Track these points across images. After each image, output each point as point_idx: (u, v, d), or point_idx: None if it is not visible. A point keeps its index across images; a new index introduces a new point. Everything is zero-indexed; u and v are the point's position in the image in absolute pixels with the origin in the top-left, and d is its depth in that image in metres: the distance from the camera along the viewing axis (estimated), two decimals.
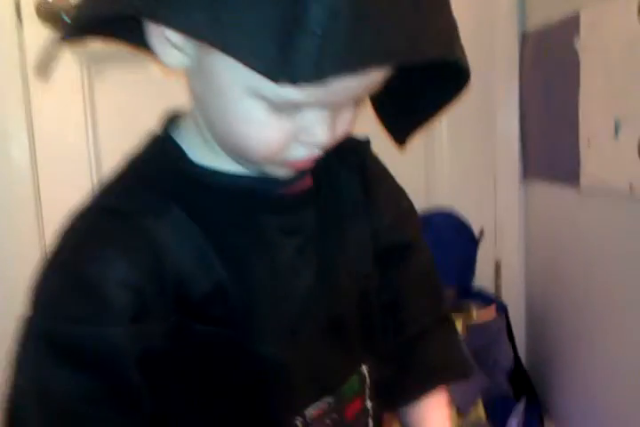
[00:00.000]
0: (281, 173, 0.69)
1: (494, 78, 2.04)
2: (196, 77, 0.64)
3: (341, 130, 0.67)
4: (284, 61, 0.50)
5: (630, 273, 1.51)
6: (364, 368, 0.80)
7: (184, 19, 0.52)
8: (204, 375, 0.69)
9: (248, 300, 0.68)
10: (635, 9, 1.37)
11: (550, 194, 1.91)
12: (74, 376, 0.62)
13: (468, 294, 1.95)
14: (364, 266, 0.81)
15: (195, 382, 0.69)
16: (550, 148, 1.86)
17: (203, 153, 0.70)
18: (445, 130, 2.06)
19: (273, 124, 0.61)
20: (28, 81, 1.70)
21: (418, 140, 2.01)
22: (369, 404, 0.82)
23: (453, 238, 1.91)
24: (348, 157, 0.81)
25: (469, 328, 1.85)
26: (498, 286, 2.11)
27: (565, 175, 1.74)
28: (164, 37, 0.62)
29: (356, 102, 0.66)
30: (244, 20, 0.50)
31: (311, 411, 0.74)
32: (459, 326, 1.86)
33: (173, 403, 0.69)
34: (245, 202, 0.70)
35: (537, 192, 2.01)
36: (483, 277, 2.04)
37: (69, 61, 1.74)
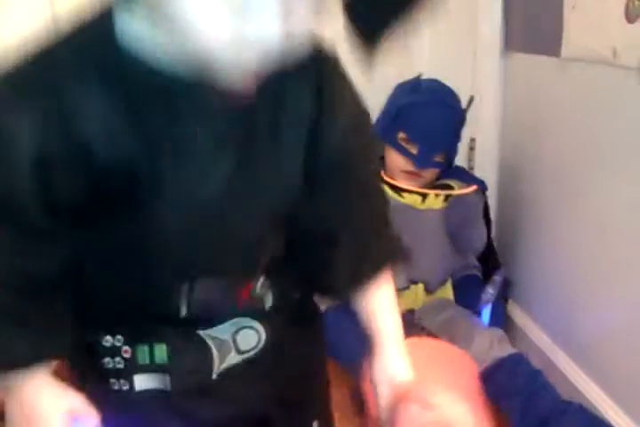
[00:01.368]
0: (234, 77, 0.66)
1: None
2: None
3: (298, 24, 0.62)
4: None
5: (610, 141, 1.49)
6: (263, 278, 0.84)
7: None
8: (105, 233, 0.74)
9: (154, 177, 0.69)
10: None
11: (531, 66, 1.86)
12: None
13: (450, 171, 1.93)
14: (293, 182, 0.79)
15: (96, 239, 0.74)
16: (534, 15, 1.79)
17: (141, 34, 0.67)
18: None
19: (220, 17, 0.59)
20: None
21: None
22: (259, 285, 0.84)
23: (440, 118, 1.84)
24: (305, 73, 0.75)
25: (450, 200, 1.86)
26: (471, 162, 2.10)
27: (547, 43, 1.68)
28: None
29: None
30: None
31: (200, 284, 0.79)
32: (439, 199, 1.86)
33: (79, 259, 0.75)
34: (169, 88, 0.68)
35: (517, 65, 1.95)
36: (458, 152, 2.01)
37: None
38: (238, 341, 0.85)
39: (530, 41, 1.84)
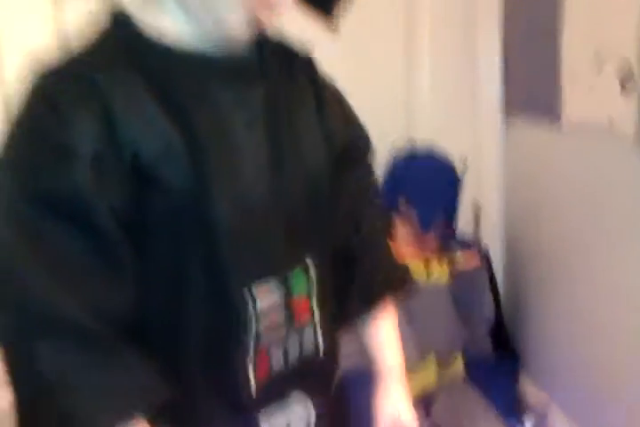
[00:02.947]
0: (238, 17, 0.72)
1: (477, 13, 1.97)
2: None
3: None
4: None
5: (610, 213, 1.48)
6: (310, 263, 0.82)
7: None
8: (160, 242, 0.73)
9: (199, 160, 0.71)
10: None
11: (531, 132, 1.87)
12: (55, 227, 0.66)
13: (452, 238, 1.93)
14: (316, 162, 0.83)
15: (152, 250, 0.73)
16: (532, 84, 1.80)
17: (157, 25, 0.74)
18: (427, 68, 2.01)
19: None
20: None
21: (399, 75, 2.02)
22: (315, 309, 0.83)
23: (436, 180, 1.87)
24: (302, 68, 0.86)
25: (455, 276, 1.85)
26: (477, 229, 2.09)
27: (546, 112, 1.69)
28: None
29: None
30: None
31: (258, 289, 0.76)
32: (445, 273, 1.85)
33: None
34: (194, 66, 0.74)
35: (518, 131, 1.95)
36: (462, 220, 2.01)
37: None
38: (292, 424, 0.84)
39: (529, 108, 1.84)
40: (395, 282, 0.97)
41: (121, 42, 0.73)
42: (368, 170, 0.96)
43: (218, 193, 0.71)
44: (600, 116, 1.45)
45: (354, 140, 0.91)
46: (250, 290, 0.75)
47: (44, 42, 1.64)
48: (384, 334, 0.97)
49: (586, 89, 1.51)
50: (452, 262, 1.85)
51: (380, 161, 1.89)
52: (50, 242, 0.66)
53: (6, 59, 1.70)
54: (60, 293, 0.66)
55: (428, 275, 1.82)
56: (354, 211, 0.92)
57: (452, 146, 1.89)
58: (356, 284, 0.92)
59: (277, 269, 0.79)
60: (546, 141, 1.77)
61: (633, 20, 1.29)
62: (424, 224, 1.80)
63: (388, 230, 0.97)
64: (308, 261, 0.81)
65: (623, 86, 1.37)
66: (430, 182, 1.82)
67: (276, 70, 0.81)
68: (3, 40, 1.70)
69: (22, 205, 0.67)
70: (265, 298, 0.77)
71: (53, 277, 0.66)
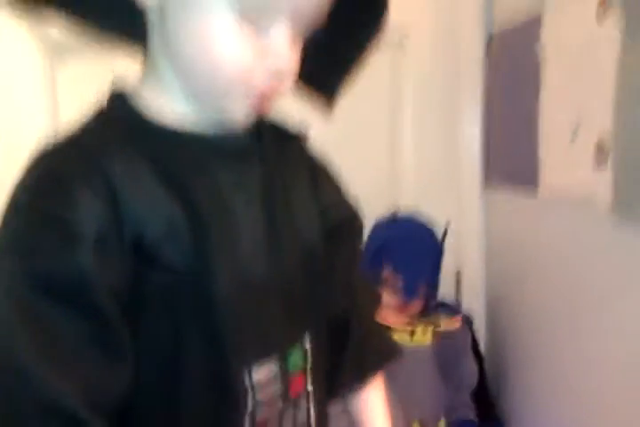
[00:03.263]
0: (241, 109, 0.74)
1: (459, 87, 2.04)
2: (166, 4, 0.70)
3: (295, 58, 0.73)
4: None
5: (588, 282, 1.48)
6: (307, 338, 0.81)
7: None
8: (157, 319, 0.71)
9: (201, 235, 0.70)
10: (593, 13, 1.37)
11: (511, 202, 1.90)
12: (56, 311, 0.65)
13: (435, 303, 1.93)
14: (311, 236, 0.84)
15: (148, 327, 0.71)
16: (511, 157, 1.85)
17: (158, 104, 0.75)
18: (410, 140, 2.08)
19: (241, 40, 0.68)
20: None
21: (384, 146, 2.06)
22: (310, 387, 0.82)
23: (419, 246, 1.89)
24: (297, 148, 0.89)
25: (437, 339, 1.85)
26: (459, 293, 2.10)
27: (525, 184, 1.72)
28: None
29: (304, 33, 0.74)
30: None
31: (258, 370, 0.75)
32: (427, 335, 1.86)
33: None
34: (194, 147, 0.75)
35: (498, 200, 1.99)
36: (444, 287, 2.02)
37: (32, 52, 1.73)
38: None
39: (509, 180, 1.88)
40: (386, 355, 0.98)
41: (122, 122, 0.74)
42: (359, 244, 0.97)
43: (218, 268, 0.71)
44: (576, 191, 1.48)
45: (346, 216, 0.93)
46: (249, 371, 0.74)
47: (41, 123, 1.72)
48: (373, 405, 0.97)
49: (562, 162, 1.54)
50: (435, 327, 1.85)
51: (366, 228, 1.92)
52: (49, 326, 0.65)
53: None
54: (57, 379, 0.64)
55: (412, 337, 1.82)
56: (347, 283, 0.93)
57: (435, 214, 1.93)
58: (347, 356, 0.92)
59: (277, 346, 0.77)
60: (525, 210, 1.80)
61: (609, 94, 1.32)
62: (409, 290, 1.81)
63: (378, 303, 0.98)
64: (306, 335, 0.81)
65: (598, 162, 1.39)
66: (414, 248, 1.84)
67: (272, 152, 0.83)
68: None
69: (23, 287, 0.65)
70: (264, 378, 0.76)
71: (51, 363, 0.64)
